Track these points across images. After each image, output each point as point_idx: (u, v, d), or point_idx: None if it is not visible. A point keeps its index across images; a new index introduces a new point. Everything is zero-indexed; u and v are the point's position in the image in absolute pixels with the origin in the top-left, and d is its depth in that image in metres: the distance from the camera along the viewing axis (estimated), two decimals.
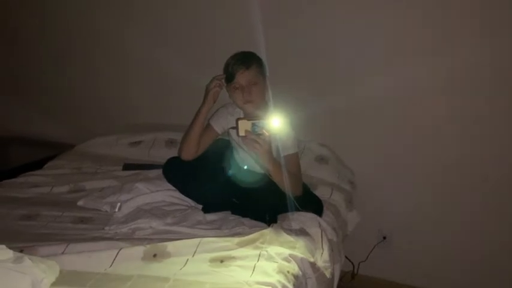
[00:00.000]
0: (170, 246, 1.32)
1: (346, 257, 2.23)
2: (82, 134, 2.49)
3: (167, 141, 2.21)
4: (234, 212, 1.66)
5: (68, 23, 2.63)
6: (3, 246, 1.11)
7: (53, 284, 1.10)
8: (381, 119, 2.09)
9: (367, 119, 2.11)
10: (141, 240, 1.37)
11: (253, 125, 1.48)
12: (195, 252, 1.31)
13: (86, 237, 1.42)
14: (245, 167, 1.80)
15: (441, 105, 1.98)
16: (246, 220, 1.59)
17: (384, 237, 2.27)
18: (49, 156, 2.27)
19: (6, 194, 1.76)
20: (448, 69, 1.91)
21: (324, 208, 1.72)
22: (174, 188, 1.73)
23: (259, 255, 1.31)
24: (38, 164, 2.15)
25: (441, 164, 2.05)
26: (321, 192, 1.85)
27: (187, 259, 1.28)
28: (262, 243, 1.38)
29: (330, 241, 1.52)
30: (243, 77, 1.64)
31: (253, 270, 1.24)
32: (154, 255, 1.29)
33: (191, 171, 1.72)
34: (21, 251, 1.19)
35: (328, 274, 1.41)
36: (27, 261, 1.06)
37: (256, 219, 1.60)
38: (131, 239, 1.39)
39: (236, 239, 1.38)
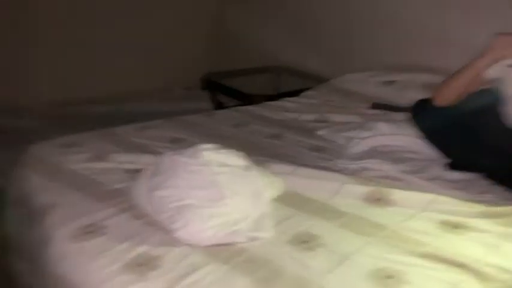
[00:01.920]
0: (397, 194, 1.18)
1: None
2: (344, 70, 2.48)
3: (424, 84, 1.96)
4: (489, 176, 1.35)
5: None
6: (243, 154, 1.20)
7: (274, 199, 1.15)
8: None
9: None
10: (369, 181, 1.27)
11: None
12: (425, 209, 1.14)
13: (317, 164, 1.42)
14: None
15: None
16: (502, 190, 1.27)
17: None
18: (308, 88, 2.38)
19: (263, 114, 1.94)
20: None
21: None
22: (419, 135, 1.52)
23: (507, 234, 1.03)
24: (299, 92, 2.29)
25: None
26: None
27: (414, 213, 1.12)
28: None
29: None
30: None
31: (495, 249, 0.98)
32: (378, 200, 1.18)
33: (446, 119, 1.46)
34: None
35: None
36: (254, 172, 1.13)
37: None
38: (359, 177, 1.31)
39: (482, 207, 1.13)
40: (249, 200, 1.06)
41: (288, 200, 1.17)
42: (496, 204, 1.16)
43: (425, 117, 1.50)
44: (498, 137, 1.43)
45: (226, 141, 1.40)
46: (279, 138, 1.66)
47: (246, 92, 2.54)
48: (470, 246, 1.00)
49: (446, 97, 1.45)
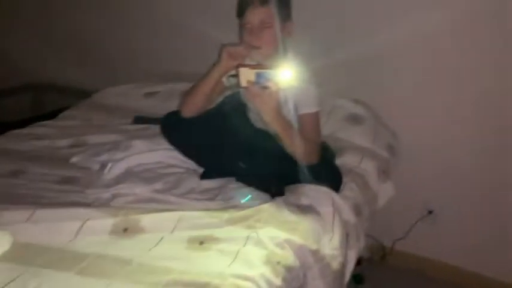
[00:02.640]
0: (145, 219, 1.12)
1: (373, 238, 1.95)
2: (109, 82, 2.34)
3: (184, 92, 1.97)
4: (238, 179, 1.42)
5: None
6: None
7: None
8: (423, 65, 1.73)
9: (409, 65, 1.76)
10: (118, 209, 1.18)
11: (258, 75, 1.20)
12: (174, 229, 1.11)
13: (62, 201, 1.26)
14: (258, 126, 1.53)
15: None
16: (249, 190, 1.34)
17: (430, 211, 1.94)
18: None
19: (6, 146, 1.65)
20: None
21: (348, 179, 1.43)
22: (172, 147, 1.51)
23: (248, 237, 1.08)
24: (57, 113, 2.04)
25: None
26: (348, 160, 1.55)
27: (163, 237, 1.08)
28: (257, 221, 1.13)
29: (345, 223, 1.24)
30: (253, 15, 1.33)
31: (235, 257, 1.01)
32: (125, 230, 1.10)
33: (192, 129, 1.48)
34: None
35: (335, 265, 1.15)
36: None
37: (261, 189, 1.36)
38: (106, 208, 1.20)
39: (226, 215, 1.15)
40: None
41: (17, 256, 0.99)
42: (242, 208, 1.21)
43: (174, 129, 1.50)
44: (247, 137, 1.52)
45: None
46: (21, 175, 1.42)
47: None
48: (215, 260, 1.01)
49: (190, 108, 1.47)
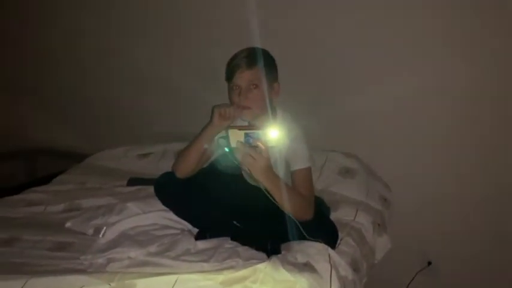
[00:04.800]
0: (140, 284, 1.10)
1: None
2: (102, 145, 2.37)
3: (178, 152, 2.01)
4: (234, 239, 1.41)
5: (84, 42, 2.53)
6: None
7: None
8: (415, 121, 1.76)
9: (399, 122, 1.80)
10: (113, 275, 1.16)
11: (247, 135, 1.24)
12: None
13: (57, 268, 1.24)
14: (252, 184, 1.54)
15: None
16: (245, 249, 1.34)
17: (429, 263, 1.92)
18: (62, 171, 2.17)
19: None
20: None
21: (344, 234, 1.44)
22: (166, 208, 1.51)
23: None
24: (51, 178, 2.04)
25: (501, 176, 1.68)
26: (342, 214, 1.56)
27: None
28: (253, 282, 1.12)
29: (343, 279, 1.23)
30: (241, 77, 1.39)
31: None
32: None
33: (186, 190, 1.49)
34: None
35: None
36: None
37: (257, 248, 1.35)
38: (103, 272, 1.18)
39: (221, 277, 1.13)
40: None
41: None
42: (239, 268, 1.20)
43: (168, 190, 1.51)
44: (241, 196, 1.53)
45: None
46: (13, 244, 1.40)
47: None
48: None
49: (184, 168, 1.50)
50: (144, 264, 1.25)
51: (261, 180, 1.27)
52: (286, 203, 1.31)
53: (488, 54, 1.64)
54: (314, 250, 1.26)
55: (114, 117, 2.55)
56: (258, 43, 1.48)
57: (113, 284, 1.10)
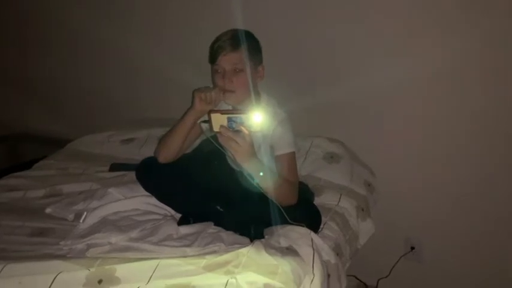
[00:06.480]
0: (121, 269, 1.09)
1: (356, 278, 1.93)
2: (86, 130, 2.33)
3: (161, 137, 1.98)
4: (217, 224, 1.40)
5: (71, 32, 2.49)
6: None
7: None
8: (401, 108, 1.76)
9: (385, 109, 1.79)
10: (92, 260, 1.14)
11: (229, 119, 1.21)
12: (150, 278, 1.07)
13: (35, 254, 1.22)
14: (236, 168, 1.53)
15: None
16: (228, 234, 1.33)
17: (412, 248, 1.93)
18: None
19: None
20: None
21: (327, 218, 1.44)
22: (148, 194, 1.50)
23: (227, 284, 1.05)
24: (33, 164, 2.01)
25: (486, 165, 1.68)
26: (326, 199, 1.56)
27: (139, 287, 1.05)
28: (236, 266, 1.11)
29: (325, 264, 1.23)
30: (225, 60, 1.37)
31: None
32: (100, 281, 1.06)
33: (169, 175, 1.47)
34: None
35: None
36: None
37: (241, 233, 1.34)
38: (80, 259, 1.17)
39: (204, 261, 1.12)
40: None
41: None
42: (222, 253, 1.19)
43: (150, 175, 1.49)
44: (224, 181, 1.52)
45: None
46: None
47: None
48: None
49: (166, 153, 1.47)
50: (125, 249, 1.23)
51: (244, 165, 1.26)
52: (269, 188, 1.30)
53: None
54: (297, 234, 1.26)
55: (97, 104, 2.52)
56: (241, 25, 1.45)
57: (92, 269, 1.08)
